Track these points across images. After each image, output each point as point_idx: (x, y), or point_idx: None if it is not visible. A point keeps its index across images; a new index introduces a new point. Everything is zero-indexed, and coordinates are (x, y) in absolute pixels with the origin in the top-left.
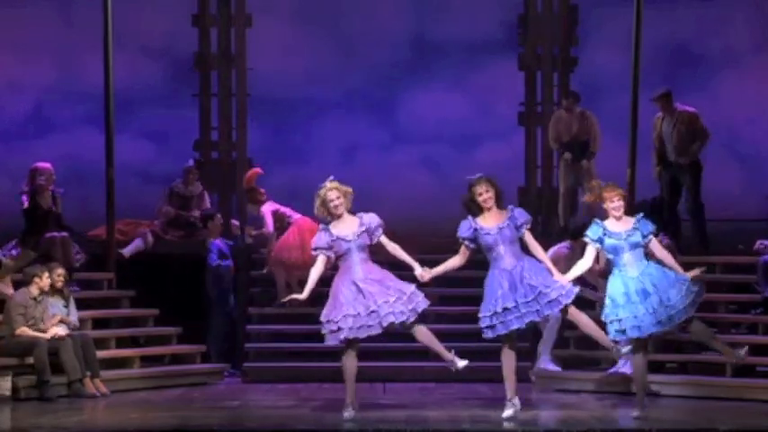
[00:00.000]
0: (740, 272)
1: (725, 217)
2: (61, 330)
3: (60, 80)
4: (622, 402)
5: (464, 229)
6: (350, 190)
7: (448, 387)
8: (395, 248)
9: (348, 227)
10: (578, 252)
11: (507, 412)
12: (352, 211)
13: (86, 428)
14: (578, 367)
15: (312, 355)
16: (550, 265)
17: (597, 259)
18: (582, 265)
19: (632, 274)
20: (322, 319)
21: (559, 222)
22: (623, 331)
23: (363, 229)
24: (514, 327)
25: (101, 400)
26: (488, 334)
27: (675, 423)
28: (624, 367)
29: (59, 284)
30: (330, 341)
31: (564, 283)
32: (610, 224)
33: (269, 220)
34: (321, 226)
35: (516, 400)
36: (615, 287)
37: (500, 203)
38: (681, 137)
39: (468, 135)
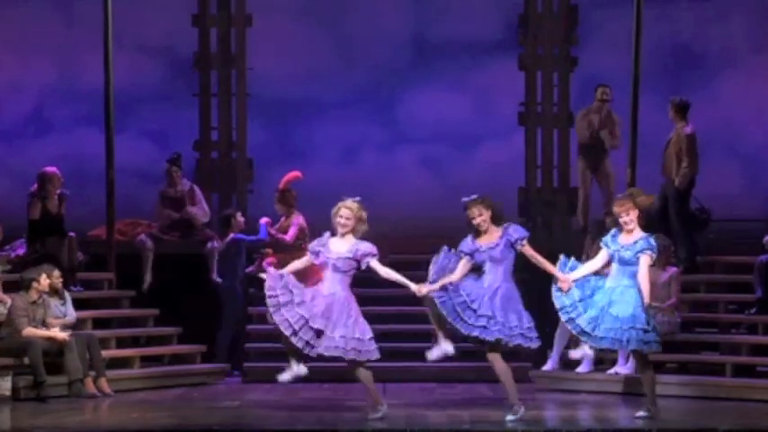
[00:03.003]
0: (740, 272)
1: (725, 217)
2: (62, 334)
3: (60, 80)
4: (622, 402)
5: (465, 245)
6: (364, 217)
7: (448, 387)
8: (387, 272)
9: (340, 246)
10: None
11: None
12: (362, 237)
13: (86, 428)
14: (578, 367)
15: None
16: (553, 269)
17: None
18: (590, 266)
19: (608, 284)
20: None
21: (579, 223)
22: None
23: (350, 255)
24: (457, 324)
25: (101, 400)
26: (452, 321)
27: (675, 423)
28: (624, 368)
29: (60, 286)
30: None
31: (563, 284)
32: (620, 235)
33: (293, 231)
34: (326, 233)
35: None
36: (597, 293)
37: (497, 222)
38: (669, 155)
39: (468, 135)
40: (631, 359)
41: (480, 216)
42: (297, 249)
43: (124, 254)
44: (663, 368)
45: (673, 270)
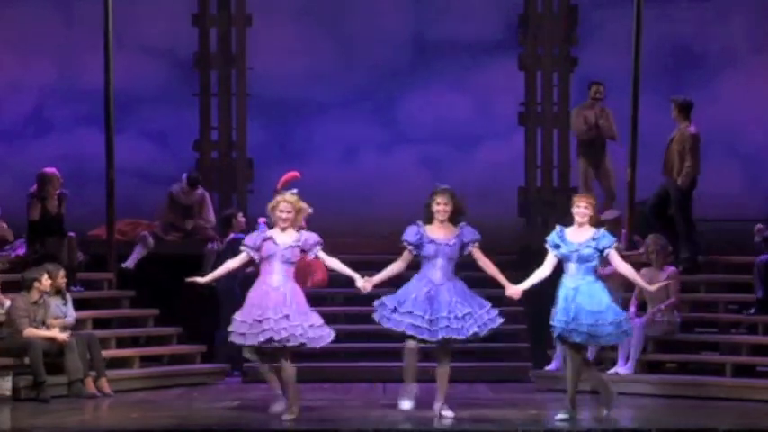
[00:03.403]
0: (740, 272)
1: (725, 217)
2: (63, 334)
3: (60, 80)
4: (622, 402)
5: (410, 234)
6: (305, 208)
7: (448, 387)
8: (333, 262)
9: (284, 238)
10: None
11: (404, 405)
12: (301, 227)
13: (86, 428)
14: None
15: (312, 355)
16: (501, 278)
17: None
18: (539, 274)
19: (569, 284)
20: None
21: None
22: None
23: (297, 244)
24: (409, 332)
25: (101, 400)
26: (378, 318)
27: (675, 423)
28: (624, 368)
29: (64, 286)
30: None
31: (511, 293)
32: (569, 231)
33: None
34: (263, 225)
35: (412, 396)
36: (559, 294)
37: (454, 220)
38: (671, 154)
39: (468, 135)
40: (631, 359)
41: (446, 205)
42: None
43: (124, 254)
44: (663, 368)
45: (671, 270)
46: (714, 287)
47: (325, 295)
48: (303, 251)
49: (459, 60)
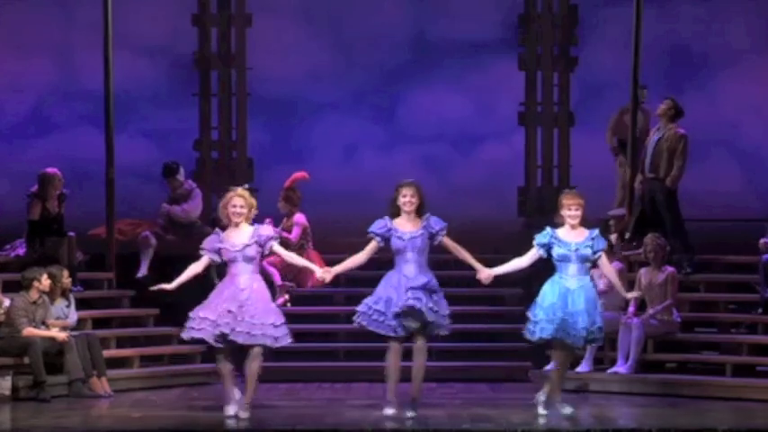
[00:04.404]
0: (740, 272)
1: (725, 217)
2: (62, 334)
3: (60, 80)
4: (622, 402)
5: (378, 226)
6: (254, 204)
7: (448, 387)
8: (290, 256)
9: (239, 236)
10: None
11: (387, 411)
12: (253, 223)
13: (86, 428)
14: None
15: (312, 354)
16: (474, 262)
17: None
18: (515, 264)
19: (571, 285)
20: (191, 314)
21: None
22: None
23: (253, 240)
24: (383, 332)
25: (101, 400)
26: (361, 321)
27: (675, 423)
28: (624, 367)
29: (68, 287)
30: (185, 334)
31: (484, 277)
32: (562, 232)
33: (297, 231)
34: (216, 230)
35: (394, 403)
36: (548, 291)
37: (420, 212)
38: (660, 154)
39: (468, 135)
40: (631, 359)
41: (412, 197)
42: (299, 248)
43: (124, 254)
44: (663, 368)
45: (670, 270)
46: (714, 287)
47: (326, 295)
48: (259, 245)
49: (459, 60)
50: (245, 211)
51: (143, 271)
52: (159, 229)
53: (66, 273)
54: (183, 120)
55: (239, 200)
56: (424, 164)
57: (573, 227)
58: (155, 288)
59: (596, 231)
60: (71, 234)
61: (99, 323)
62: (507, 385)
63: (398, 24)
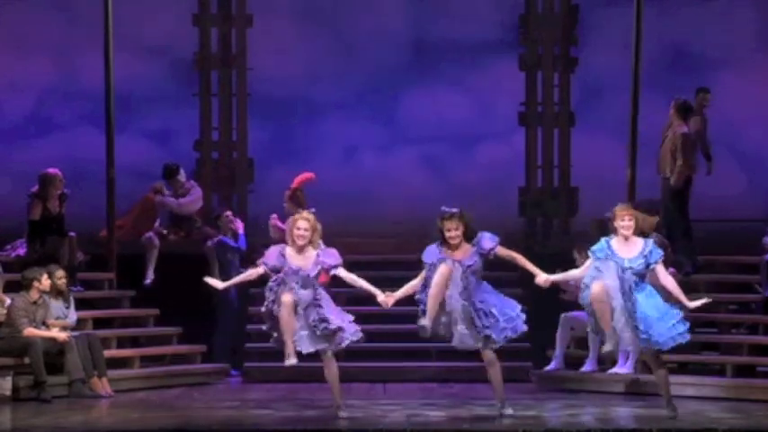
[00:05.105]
0: (740, 272)
1: (725, 217)
2: (63, 334)
3: (60, 80)
4: (622, 402)
5: (429, 255)
6: (319, 228)
7: (448, 387)
8: (354, 280)
9: (303, 260)
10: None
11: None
12: (318, 244)
13: (86, 428)
14: (578, 367)
15: (312, 355)
16: (532, 267)
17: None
18: (572, 274)
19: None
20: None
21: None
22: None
23: (318, 268)
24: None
25: (101, 400)
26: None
27: (675, 423)
28: (624, 367)
29: (63, 286)
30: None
31: (542, 281)
32: (616, 244)
33: None
34: (280, 246)
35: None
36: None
37: (469, 238)
38: (664, 153)
39: (468, 135)
40: (631, 359)
41: (456, 230)
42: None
43: (125, 254)
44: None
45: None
46: (714, 287)
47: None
48: (325, 270)
49: (459, 60)
50: (308, 234)
51: (150, 276)
52: (161, 230)
53: (60, 272)
54: (183, 120)
55: (304, 222)
56: (424, 164)
57: (626, 237)
58: (207, 279)
59: (650, 243)
60: (72, 234)
61: (100, 323)
62: (507, 385)
63: (398, 24)
